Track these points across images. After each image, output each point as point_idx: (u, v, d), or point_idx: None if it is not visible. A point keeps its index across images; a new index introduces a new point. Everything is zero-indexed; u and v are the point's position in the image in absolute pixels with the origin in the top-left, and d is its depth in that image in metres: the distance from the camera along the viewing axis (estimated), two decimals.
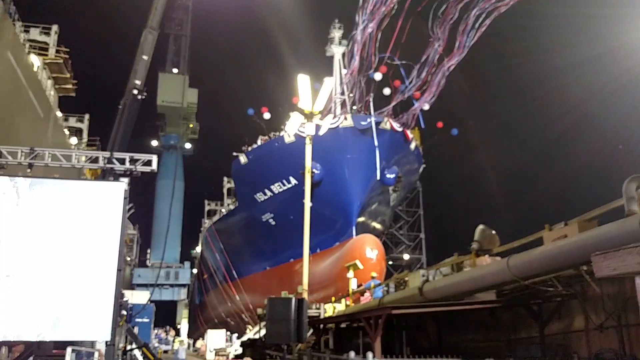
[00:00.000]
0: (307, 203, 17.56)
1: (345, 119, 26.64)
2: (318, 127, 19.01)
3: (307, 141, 18.65)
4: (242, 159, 31.61)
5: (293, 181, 28.92)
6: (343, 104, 32.98)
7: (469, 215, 57.95)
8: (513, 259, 9.13)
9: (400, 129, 27.88)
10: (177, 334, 60.80)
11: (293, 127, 17.79)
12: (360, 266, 22.04)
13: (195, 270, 64.60)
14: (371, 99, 28.50)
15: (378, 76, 30.81)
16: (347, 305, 20.87)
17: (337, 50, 36.94)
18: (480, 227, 12.74)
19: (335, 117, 26.93)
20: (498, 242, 12.55)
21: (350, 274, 22.10)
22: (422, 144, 58.76)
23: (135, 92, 23.21)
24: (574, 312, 9.59)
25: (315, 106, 18.19)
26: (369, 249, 23.57)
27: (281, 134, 29.10)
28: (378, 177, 27.45)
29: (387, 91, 31.40)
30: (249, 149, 31.35)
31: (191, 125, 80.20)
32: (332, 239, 27.70)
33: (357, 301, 20.89)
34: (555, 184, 59.60)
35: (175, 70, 75.49)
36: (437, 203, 67.25)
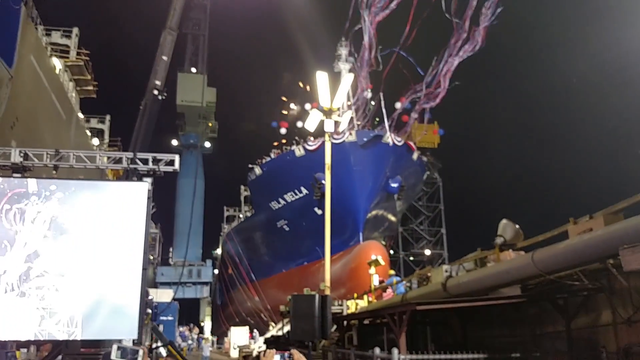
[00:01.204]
0: (328, 201, 17.61)
1: (350, 134, 29.19)
2: (337, 124, 19.00)
3: (327, 138, 18.64)
4: (257, 170, 34.84)
5: (304, 191, 31.82)
6: (350, 119, 34.74)
7: (490, 210, 57.47)
8: (538, 253, 9.04)
9: (401, 142, 30.35)
10: (201, 331, 61.47)
11: (312, 124, 17.78)
12: (382, 262, 22.28)
13: (216, 271, 65.38)
14: (386, 121, 31.21)
15: (397, 105, 34.39)
16: (369, 302, 20.88)
17: (343, 67, 37.51)
18: (504, 221, 12.63)
19: (341, 132, 29.24)
20: (522, 237, 12.43)
21: (372, 270, 22.13)
22: (440, 139, 59.11)
23: (156, 92, 23.46)
24: (601, 306, 9.45)
25: (335, 103, 18.17)
26: (373, 255, 24.89)
27: (292, 148, 31.62)
28: (382, 187, 30.31)
29: (397, 104, 34.54)
30: (263, 161, 34.39)
31: (210, 124, 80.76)
32: (342, 244, 29.42)
33: (379, 297, 20.89)
34: (577, 177, 58.81)
35: (193, 70, 76.06)
36: (458, 198, 66.89)
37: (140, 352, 4.31)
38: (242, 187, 56.71)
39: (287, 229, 35.49)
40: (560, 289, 9.73)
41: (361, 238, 30.20)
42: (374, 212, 31.75)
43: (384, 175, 30.39)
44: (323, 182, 28.29)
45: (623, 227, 7.53)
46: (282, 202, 34.21)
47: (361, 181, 29.60)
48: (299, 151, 31.38)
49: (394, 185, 31.30)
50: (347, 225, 29.36)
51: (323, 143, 26.56)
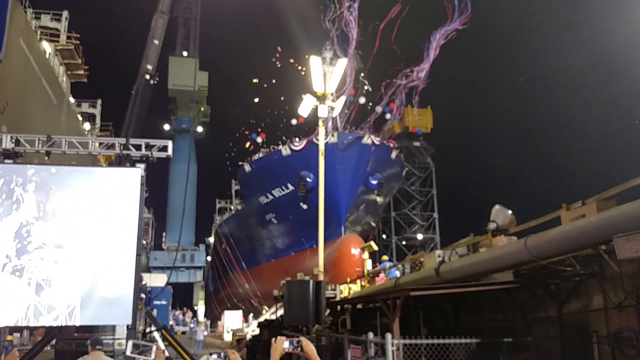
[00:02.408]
0: (321, 189, 17.63)
1: (333, 136, 31.83)
2: (331, 108, 18.93)
3: (320, 123, 18.58)
4: (247, 167, 37.41)
5: (290, 187, 34.46)
6: (334, 120, 37.96)
7: (482, 195, 57.84)
8: (531, 239, 9.10)
9: (379, 142, 33.23)
10: (195, 315, 61.84)
11: (306, 109, 17.72)
12: (375, 247, 22.47)
13: (209, 258, 66.15)
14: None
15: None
16: (362, 286, 21.02)
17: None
18: (497, 207, 12.69)
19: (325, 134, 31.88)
20: (515, 222, 12.49)
21: (365, 255, 22.27)
22: (433, 124, 59.65)
23: (148, 77, 23.21)
24: (593, 291, 9.55)
25: (328, 88, 18.06)
26: (352, 248, 27.38)
27: (279, 147, 34.70)
28: (363, 184, 33.05)
29: (386, 115, 39.44)
30: (252, 159, 37.32)
31: (202, 109, 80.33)
32: (326, 237, 31.98)
33: (372, 282, 21.04)
34: (569, 163, 59.16)
35: (185, 54, 75.38)
36: (451, 182, 67.11)
37: (154, 348, 4.36)
38: (233, 182, 58.17)
39: (275, 221, 38.19)
40: (552, 274, 9.82)
41: (342, 232, 32.29)
42: (355, 207, 34.36)
43: (364, 173, 32.94)
44: (307, 179, 32.01)
45: (616, 214, 7.59)
46: (270, 197, 36.71)
47: (343, 179, 31.63)
48: (285, 151, 34.03)
49: (374, 182, 33.89)
50: (330, 219, 30.59)
51: (307, 143, 32.12)
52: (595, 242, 8.17)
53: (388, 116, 43.82)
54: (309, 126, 40.31)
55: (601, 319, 9.20)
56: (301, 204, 33.88)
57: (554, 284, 10.13)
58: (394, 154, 35.74)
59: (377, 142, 33.13)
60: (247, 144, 46.57)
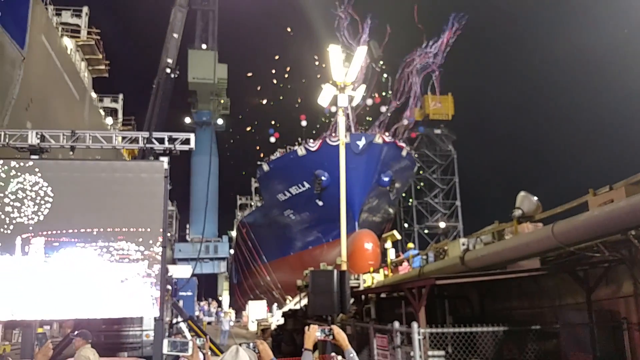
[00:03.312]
0: (343, 176, 17.59)
1: (345, 137, 32.94)
2: (351, 98, 18.77)
3: (340, 113, 18.50)
4: (265, 167, 39.74)
5: (306, 185, 36.54)
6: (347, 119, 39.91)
7: (504, 182, 57.14)
8: (558, 225, 8.94)
9: (390, 141, 35.02)
10: (220, 305, 62.70)
11: (325, 99, 17.64)
12: (398, 237, 22.43)
13: (232, 251, 68.06)
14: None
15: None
16: (385, 276, 20.98)
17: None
18: (522, 193, 12.51)
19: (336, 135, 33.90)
20: (540, 209, 12.31)
21: (388, 244, 22.21)
22: (455, 111, 59.51)
23: (168, 70, 23.38)
24: (622, 277, 9.37)
25: (348, 77, 17.95)
26: (366, 243, 27.96)
27: (295, 148, 36.91)
28: (376, 182, 35.06)
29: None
30: (270, 159, 39.72)
31: (222, 101, 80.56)
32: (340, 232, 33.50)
33: (395, 271, 20.98)
34: (595, 147, 58.07)
35: (204, 46, 75.52)
36: (473, 170, 66.40)
37: (190, 344, 4.43)
38: (253, 180, 60.14)
39: (293, 217, 40.49)
40: (580, 260, 9.66)
41: (357, 226, 33.13)
42: (368, 204, 36.11)
43: (376, 171, 34.70)
44: (322, 178, 34.27)
45: None
46: (288, 194, 38.89)
47: (356, 178, 32.35)
48: (301, 151, 36.06)
49: (386, 179, 35.78)
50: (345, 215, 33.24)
51: (322, 144, 34.52)
52: (624, 227, 7.99)
53: (406, 122, 45.60)
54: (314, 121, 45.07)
55: (631, 305, 9.04)
56: (317, 200, 36.05)
57: (582, 270, 9.97)
58: (404, 152, 37.57)
59: (388, 141, 34.99)
60: (272, 139, 48.08)
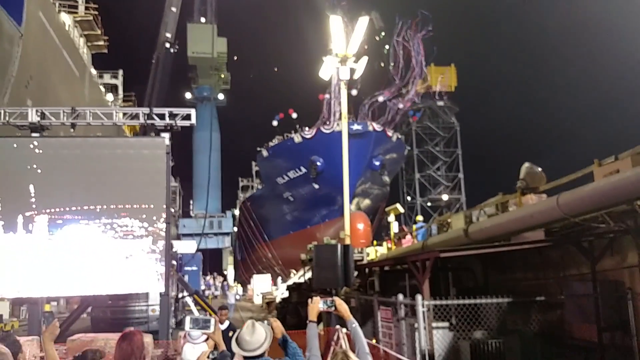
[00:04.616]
0: (345, 151, 17.49)
1: (338, 125, 35.72)
2: (353, 70, 18.53)
3: (342, 86, 18.27)
4: (264, 152, 42.78)
5: (303, 169, 39.74)
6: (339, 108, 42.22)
7: (508, 154, 56.85)
8: (563, 196, 8.88)
9: (380, 129, 37.89)
10: (225, 279, 63.38)
11: (327, 72, 17.42)
12: (401, 210, 22.47)
13: (235, 229, 69.72)
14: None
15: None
16: (389, 249, 21.05)
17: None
18: (526, 164, 12.43)
19: (331, 123, 38.77)
20: (544, 180, 12.24)
21: (392, 217, 22.24)
22: (457, 81, 59.24)
23: (167, 45, 23.10)
24: (627, 247, 9.34)
25: (349, 49, 17.69)
26: (358, 223, 31.23)
27: (292, 135, 40.07)
28: (367, 166, 37.65)
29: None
30: (270, 145, 42.59)
31: (222, 76, 79.92)
32: (335, 212, 37.70)
33: (398, 244, 21.06)
34: (600, 117, 57.64)
35: (203, 20, 74.59)
36: (476, 142, 66.08)
37: (212, 321, 4.45)
38: (253, 163, 62.17)
39: (291, 199, 43.82)
40: (585, 231, 9.62)
41: (350, 208, 36.05)
42: (361, 186, 38.89)
43: (367, 156, 37.09)
44: (318, 163, 37.61)
45: None
46: (286, 177, 42.11)
47: (349, 161, 35.62)
48: (297, 138, 39.13)
49: (377, 163, 38.71)
50: (339, 197, 35.17)
51: (317, 132, 37.55)
52: (630, 197, 7.93)
53: (412, 120, 48.48)
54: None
55: (636, 275, 9.03)
56: (313, 184, 39.52)
57: (587, 241, 9.95)
58: (394, 138, 40.54)
59: (378, 129, 37.99)
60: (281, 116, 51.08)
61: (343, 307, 3.95)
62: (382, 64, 45.65)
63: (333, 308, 3.95)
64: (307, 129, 39.60)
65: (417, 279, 10.81)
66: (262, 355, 3.64)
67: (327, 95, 42.85)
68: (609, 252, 9.71)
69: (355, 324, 3.88)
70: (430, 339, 9.88)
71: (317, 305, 3.96)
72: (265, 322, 3.93)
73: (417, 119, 60.23)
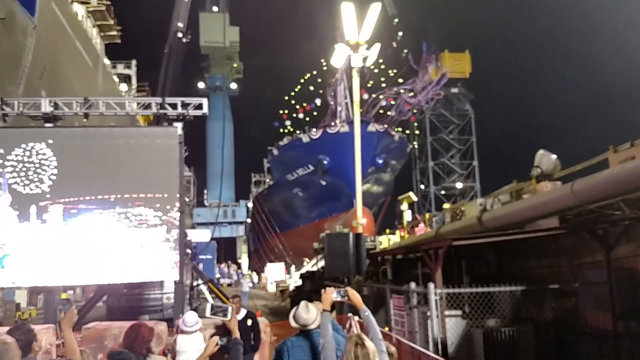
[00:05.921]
0: (357, 141, 17.46)
1: (343, 126, 39.52)
2: (365, 58, 18.39)
3: (354, 73, 18.15)
4: (275, 151, 46.98)
5: (311, 167, 43.12)
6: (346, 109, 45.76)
7: (522, 141, 56.32)
8: (578, 183, 8.77)
9: (383, 130, 40.42)
10: (239, 267, 63.95)
11: (339, 60, 17.34)
12: (415, 198, 22.43)
13: (249, 220, 71.72)
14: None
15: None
16: (401, 237, 21.03)
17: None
18: (541, 151, 12.31)
19: (337, 124, 41.74)
20: (559, 167, 12.12)
21: (405, 206, 22.18)
22: (472, 69, 58.96)
23: (180, 34, 23.11)
24: None
25: (362, 36, 17.54)
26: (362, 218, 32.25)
27: (300, 135, 43.80)
28: (371, 163, 39.66)
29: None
30: (280, 144, 46.42)
31: (235, 65, 79.96)
32: (341, 207, 40.19)
33: (411, 232, 21.01)
34: (615, 104, 56.78)
35: (215, 9, 74.51)
36: (491, 129, 65.50)
37: (230, 310, 4.86)
38: (265, 160, 64.82)
39: (300, 195, 47.29)
40: (599, 218, 9.51)
41: (354, 203, 38.11)
42: (365, 185, 39.87)
43: (371, 154, 38.94)
44: (324, 162, 40.70)
45: None
46: (296, 175, 45.64)
47: (353, 161, 38.06)
48: (305, 138, 42.57)
49: (380, 161, 41.48)
50: (345, 194, 38.91)
51: (323, 133, 40.89)
52: None
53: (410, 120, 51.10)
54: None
55: None
56: (321, 181, 42.57)
57: (602, 228, 9.84)
58: (397, 137, 43.52)
59: (381, 130, 40.44)
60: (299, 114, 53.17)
61: (356, 297, 4.06)
62: (395, 45, 47.38)
63: (346, 298, 4.08)
64: (314, 130, 43.06)
65: (430, 268, 10.79)
66: (316, 328, 4.11)
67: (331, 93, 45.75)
68: (624, 240, 9.60)
69: (367, 312, 3.96)
70: (442, 327, 9.88)
71: (330, 295, 4.08)
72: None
73: (415, 120, 60.37)
